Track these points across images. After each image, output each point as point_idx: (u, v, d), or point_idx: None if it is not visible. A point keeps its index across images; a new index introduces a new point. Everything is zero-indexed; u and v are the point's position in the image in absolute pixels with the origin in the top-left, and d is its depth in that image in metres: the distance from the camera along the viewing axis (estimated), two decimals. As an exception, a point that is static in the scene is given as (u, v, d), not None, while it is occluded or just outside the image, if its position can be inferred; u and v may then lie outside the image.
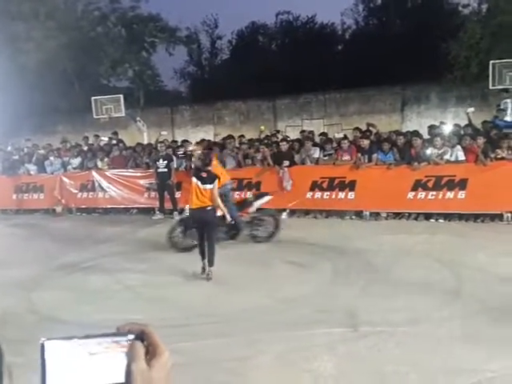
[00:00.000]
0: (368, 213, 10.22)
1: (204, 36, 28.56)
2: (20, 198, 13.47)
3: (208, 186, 6.70)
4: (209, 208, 6.76)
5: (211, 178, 6.75)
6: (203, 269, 6.76)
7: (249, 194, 10.29)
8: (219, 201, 6.86)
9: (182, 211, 8.64)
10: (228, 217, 7.09)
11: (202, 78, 28.54)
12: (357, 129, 12.03)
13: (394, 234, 8.78)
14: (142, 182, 12.35)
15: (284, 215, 10.92)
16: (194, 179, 6.74)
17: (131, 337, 0.69)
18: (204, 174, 6.76)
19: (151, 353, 0.68)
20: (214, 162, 7.43)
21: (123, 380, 0.66)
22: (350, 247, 8.00)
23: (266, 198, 8.78)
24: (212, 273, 6.71)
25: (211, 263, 6.75)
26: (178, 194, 11.71)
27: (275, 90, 19.14)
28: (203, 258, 6.81)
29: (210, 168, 6.90)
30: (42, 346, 0.66)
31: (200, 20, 28.50)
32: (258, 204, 8.57)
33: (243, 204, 8.69)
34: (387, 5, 24.21)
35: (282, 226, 8.69)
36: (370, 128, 11.85)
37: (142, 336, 0.69)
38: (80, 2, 24.04)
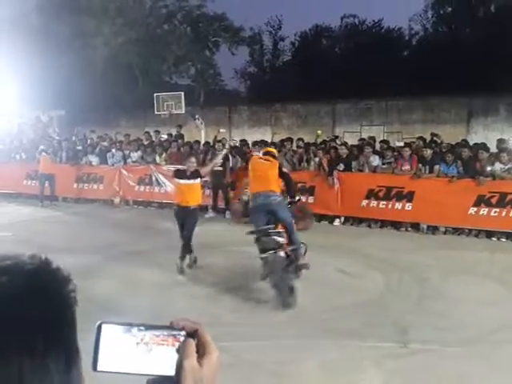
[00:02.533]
0: (425, 226, 9.88)
1: (267, 37, 28.65)
2: (80, 187, 13.98)
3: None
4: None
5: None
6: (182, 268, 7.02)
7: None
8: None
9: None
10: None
11: (261, 79, 28.63)
12: (420, 138, 11.65)
13: (452, 249, 8.44)
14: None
15: (337, 222, 10.78)
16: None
17: (183, 333, 0.69)
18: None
19: (202, 351, 0.69)
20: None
21: (171, 373, 0.67)
22: (404, 260, 7.76)
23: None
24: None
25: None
26: (231, 193, 11.79)
27: (335, 95, 18.91)
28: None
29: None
30: (99, 328, 0.67)
31: (264, 21, 28.54)
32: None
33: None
34: (458, 12, 23.42)
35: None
36: (435, 138, 11.46)
37: (194, 334, 0.70)
38: (148, 0, 24.71)
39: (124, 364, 0.67)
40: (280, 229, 6.17)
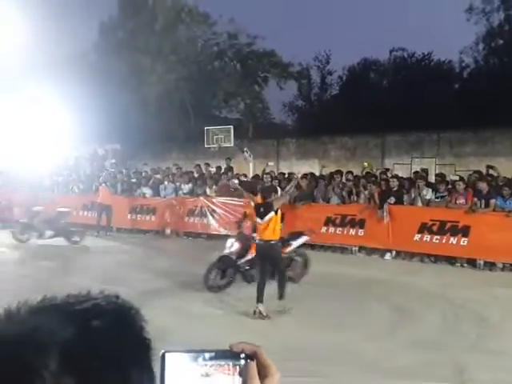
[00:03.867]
0: (482, 262, 9.53)
1: (315, 71, 28.98)
2: (134, 218, 14.38)
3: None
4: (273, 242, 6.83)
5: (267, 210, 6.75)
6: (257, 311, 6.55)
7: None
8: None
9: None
10: None
11: (309, 112, 28.85)
12: (477, 172, 11.36)
13: (511, 287, 8.08)
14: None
15: (388, 256, 10.57)
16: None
17: (243, 356, 0.69)
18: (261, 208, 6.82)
19: (264, 373, 0.69)
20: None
21: None
22: (460, 297, 7.50)
23: (304, 238, 8.35)
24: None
25: (283, 297, 6.79)
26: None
27: (384, 127, 18.80)
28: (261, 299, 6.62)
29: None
30: (163, 357, 0.67)
31: (312, 55, 28.93)
32: (296, 244, 8.13)
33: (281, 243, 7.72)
34: (509, 44, 23.02)
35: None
36: (491, 171, 11.15)
37: (253, 356, 0.70)
38: (201, 38, 25.62)
39: None
40: None
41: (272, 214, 6.72)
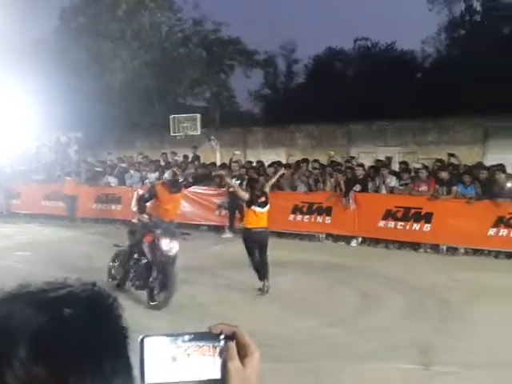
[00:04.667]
0: (445, 247, 9.81)
1: (281, 60, 28.99)
2: (99, 207, 14.15)
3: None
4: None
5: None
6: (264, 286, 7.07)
7: None
8: None
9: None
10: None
11: (276, 101, 28.89)
12: (439, 161, 11.64)
13: (473, 271, 8.37)
14: (214, 199, 12.60)
15: (354, 243, 10.76)
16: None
17: (222, 337, 0.71)
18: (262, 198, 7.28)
19: (243, 352, 0.70)
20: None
21: (217, 377, 0.69)
22: (424, 281, 7.72)
23: None
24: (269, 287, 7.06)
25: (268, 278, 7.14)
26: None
27: (350, 116, 19.01)
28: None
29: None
30: (142, 342, 0.68)
31: (278, 44, 28.93)
32: None
33: None
34: (471, 34, 23.57)
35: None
36: (452, 159, 11.45)
37: (233, 336, 0.71)
38: (165, 24, 25.22)
39: (170, 374, 0.68)
40: None
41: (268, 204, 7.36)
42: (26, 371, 0.54)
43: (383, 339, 5.41)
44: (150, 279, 6.55)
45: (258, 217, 7.23)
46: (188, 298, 6.79)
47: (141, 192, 6.98)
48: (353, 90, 22.93)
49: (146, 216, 6.95)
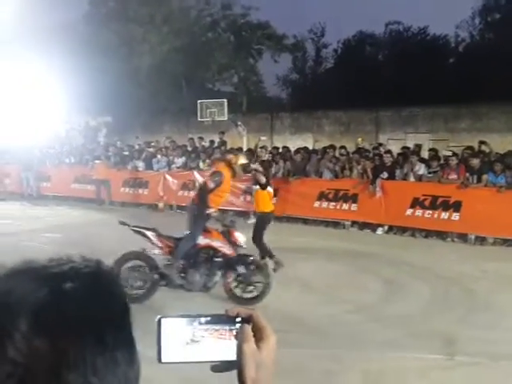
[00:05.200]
0: (473, 236, 9.61)
1: (310, 44, 28.67)
2: (127, 191, 14.34)
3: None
4: None
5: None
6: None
7: None
8: None
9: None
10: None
11: (303, 86, 28.64)
12: (469, 147, 11.36)
13: (501, 261, 8.18)
14: (239, 185, 12.60)
15: (380, 231, 10.64)
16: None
17: (239, 319, 0.72)
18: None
19: (259, 336, 0.72)
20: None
21: (233, 358, 0.71)
22: (450, 271, 7.58)
23: None
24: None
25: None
26: (273, 200, 11.83)
27: (379, 102, 18.69)
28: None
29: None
30: (159, 322, 0.70)
31: (307, 28, 28.57)
32: None
33: None
34: (506, 19, 22.80)
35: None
36: (483, 147, 11.15)
37: (249, 319, 0.72)
38: (194, 9, 25.17)
39: (186, 354, 0.70)
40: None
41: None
42: (27, 344, 0.55)
43: (407, 328, 5.35)
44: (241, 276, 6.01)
45: (270, 198, 7.74)
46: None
47: (209, 183, 6.08)
48: (383, 76, 22.53)
49: (213, 209, 6.19)
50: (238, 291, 6.05)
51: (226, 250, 5.98)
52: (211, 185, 6.13)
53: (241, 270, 5.99)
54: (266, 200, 7.65)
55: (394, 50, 25.95)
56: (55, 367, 0.55)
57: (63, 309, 0.57)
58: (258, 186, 7.73)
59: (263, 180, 7.58)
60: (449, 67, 24.07)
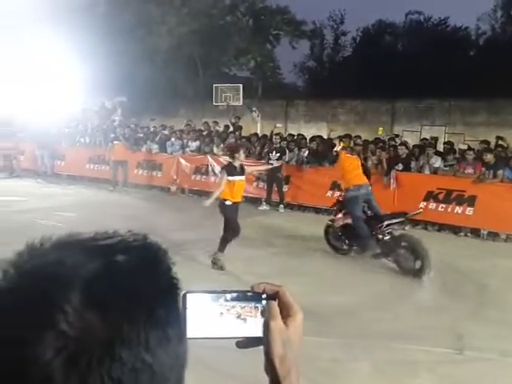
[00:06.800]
0: (486, 232, 9.55)
1: (328, 31, 28.39)
2: (140, 173, 14.39)
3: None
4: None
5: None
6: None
7: None
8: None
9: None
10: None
11: (320, 74, 28.42)
12: (484, 142, 11.23)
13: (513, 257, 8.13)
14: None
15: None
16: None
17: (265, 296, 0.71)
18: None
19: (286, 313, 0.71)
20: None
21: (259, 334, 0.70)
22: (462, 265, 7.55)
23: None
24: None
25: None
26: (285, 188, 11.84)
27: (396, 92, 18.50)
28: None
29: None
30: (184, 297, 0.69)
31: (326, 15, 28.29)
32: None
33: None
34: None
35: None
36: (500, 142, 11.02)
37: (275, 296, 0.71)
38: (213, -10, 24.97)
39: (212, 330, 0.70)
40: None
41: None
42: (79, 317, 0.52)
43: (416, 320, 5.36)
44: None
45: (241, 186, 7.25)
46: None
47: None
48: (401, 66, 22.26)
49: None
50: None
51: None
52: None
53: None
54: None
55: (414, 41, 25.60)
56: (108, 342, 0.52)
57: (116, 281, 0.55)
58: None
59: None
60: (469, 60, 23.72)
